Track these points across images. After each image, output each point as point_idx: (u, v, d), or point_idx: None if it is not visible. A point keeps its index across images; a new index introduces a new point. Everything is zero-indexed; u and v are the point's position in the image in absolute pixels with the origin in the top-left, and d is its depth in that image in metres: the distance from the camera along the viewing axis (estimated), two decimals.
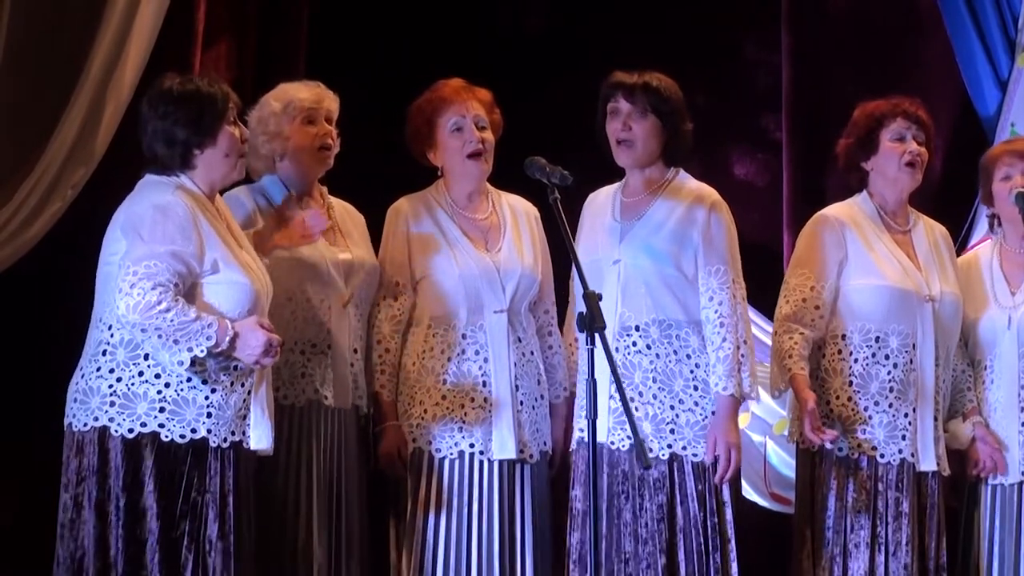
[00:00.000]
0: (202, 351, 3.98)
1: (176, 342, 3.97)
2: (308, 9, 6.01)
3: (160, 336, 3.97)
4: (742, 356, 4.52)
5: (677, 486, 4.51)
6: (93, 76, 4.94)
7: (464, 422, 4.56)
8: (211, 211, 4.13)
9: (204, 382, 4.04)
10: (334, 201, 4.70)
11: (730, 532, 4.51)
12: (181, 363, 4.00)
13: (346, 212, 4.71)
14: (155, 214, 4.02)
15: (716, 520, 4.49)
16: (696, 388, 4.54)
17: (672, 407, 4.53)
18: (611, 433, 4.52)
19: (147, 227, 4.00)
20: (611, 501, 4.53)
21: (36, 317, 5.07)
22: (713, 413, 4.53)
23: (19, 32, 4.80)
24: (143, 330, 3.97)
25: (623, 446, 4.52)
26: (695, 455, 4.52)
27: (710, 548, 4.47)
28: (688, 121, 4.65)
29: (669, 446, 4.52)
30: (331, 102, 4.62)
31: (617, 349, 4.52)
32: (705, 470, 4.51)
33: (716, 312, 4.53)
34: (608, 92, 4.64)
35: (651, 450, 4.50)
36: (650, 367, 4.54)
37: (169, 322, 3.95)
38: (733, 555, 4.51)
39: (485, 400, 4.57)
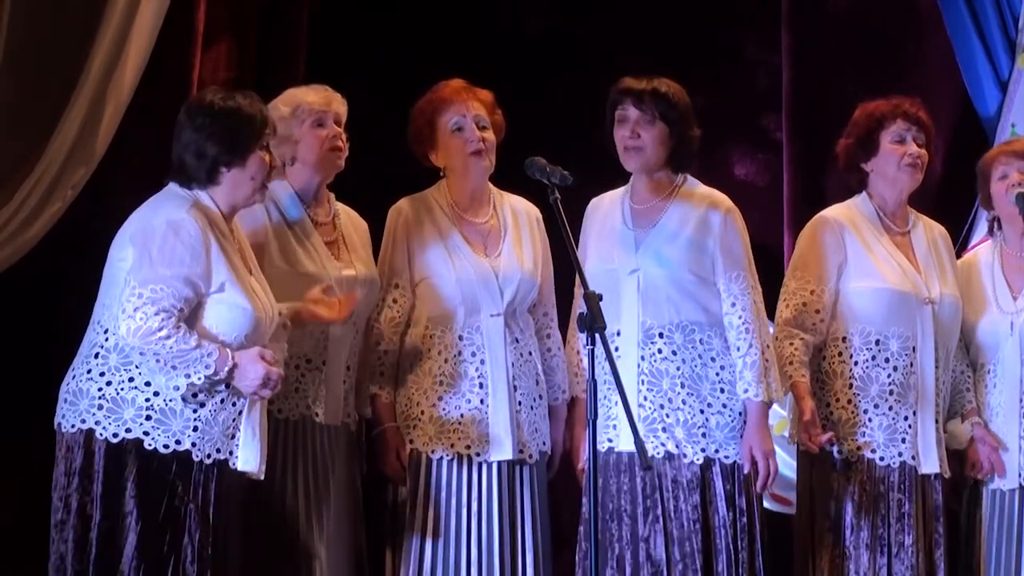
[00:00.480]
0: (200, 379, 4.00)
1: (174, 368, 4.00)
2: (308, 9, 6.00)
3: (158, 361, 4.00)
4: (767, 361, 4.55)
5: (709, 486, 4.53)
6: (93, 76, 4.94)
7: (461, 424, 4.57)
8: (225, 232, 4.12)
9: (195, 395, 4.04)
10: (340, 208, 4.69)
11: (757, 531, 4.53)
12: (176, 388, 4.02)
13: (350, 221, 4.70)
14: (167, 231, 4.01)
15: (745, 520, 4.52)
16: (723, 391, 4.57)
17: (702, 411, 4.55)
18: (644, 440, 4.45)
19: (157, 244, 4.00)
20: (645, 504, 4.54)
21: (36, 317, 5.07)
22: (741, 414, 4.55)
23: (19, 32, 4.80)
24: (141, 353, 3.99)
25: (657, 453, 4.52)
26: (726, 456, 4.54)
27: (739, 547, 4.50)
28: (696, 127, 4.66)
29: (703, 450, 4.54)
30: (339, 105, 4.61)
31: (643, 357, 4.56)
32: (734, 471, 4.54)
33: (740, 318, 4.55)
34: (616, 98, 4.65)
35: (685, 455, 4.52)
36: (677, 373, 4.56)
37: (168, 349, 3.97)
38: (759, 555, 4.53)
39: (482, 401, 4.58)
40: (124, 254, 4.06)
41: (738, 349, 4.54)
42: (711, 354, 4.57)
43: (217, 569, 4.05)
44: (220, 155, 4.08)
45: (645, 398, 4.54)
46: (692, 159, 4.69)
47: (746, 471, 4.53)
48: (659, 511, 4.52)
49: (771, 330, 4.74)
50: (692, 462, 4.52)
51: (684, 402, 4.54)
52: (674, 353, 4.56)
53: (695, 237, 4.58)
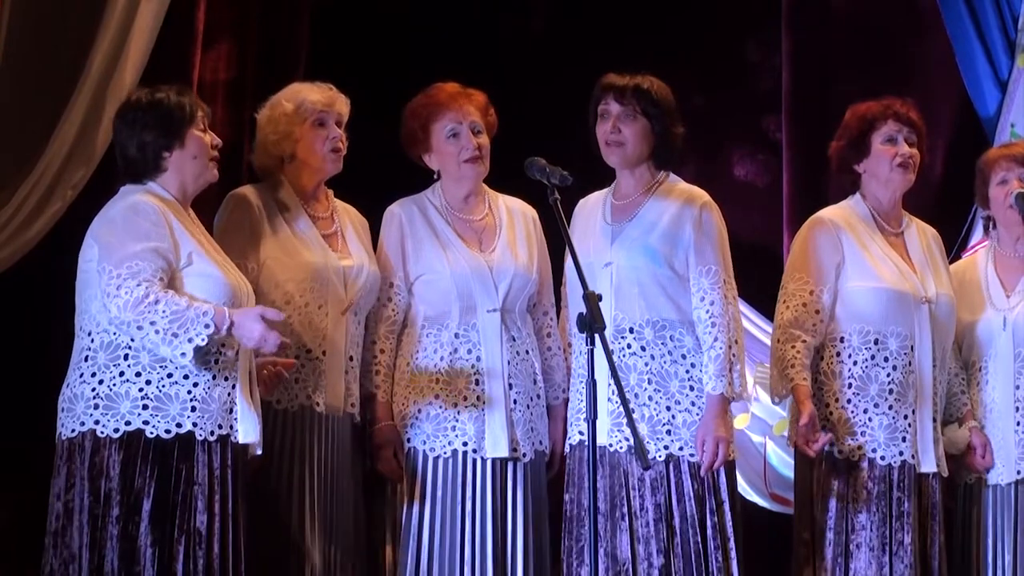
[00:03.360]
0: (203, 340, 4.00)
1: (175, 335, 4.00)
2: (309, 9, 6.03)
3: (157, 331, 4.00)
4: (733, 356, 4.53)
5: (674, 486, 4.51)
6: (93, 76, 4.98)
7: (457, 420, 4.58)
8: (183, 214, 4.21)
9: (206, 360, 4.07)
10: (339, 205, 4.72)
11: (730, 531, 4.51)
12: (184, 355, 4.02)
13: (349, 217, 4.73)
14: (127, 214, 4.11)
15: (716, 519, 4.50)
16: (692, 388, 4.55)
17: (668, 408, 4.54)
18: (609, 435, 4.53)
19: (120, 228, 4.09)
20: (612, 502, 4.54)
21: (36, 317, 5.08)
22: None
23: (19, 32, 4.83)
24: (139, 327, 4.01)
25: (621, 447, 4.53)
26: (692, 455, 4.52)
27: (710, 548, 4.48)
28: (680, 124, 4.65)
29: (666, 447, 4.53)
30: (342, 105, 4.64)
31: (612, 351, 4.50)
32: (701, 469, 4.52)
33: (708, 312, 4.54)
34: (599, 94, 4.66)
35: (648, 451, 4.51)
36: (645, 368, 4.55)
37: (162, 314, 3.99)
38: (734, 554, 4.51)
39: (478, 398, 4.58)
40: (91, 254, 4.14)
41: (704, 343, 4.53)
42: (681, 351, 4.56)
43: (226, 549, 4.10)
44: (158, 140, 4.18)
45: (613, 391, 4.50)
46: (675, 156, 4.69)
47: (695, 458, 4.51)
48: (624, 509, 4.52)
49: (765, 327, 4.75)
50: (654, 459, 4.51)
51: (650, 398, 4.54)
52: (643, 349, 4.55)
53: (670, 231, 4.58)
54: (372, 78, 6.03)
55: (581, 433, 4.57)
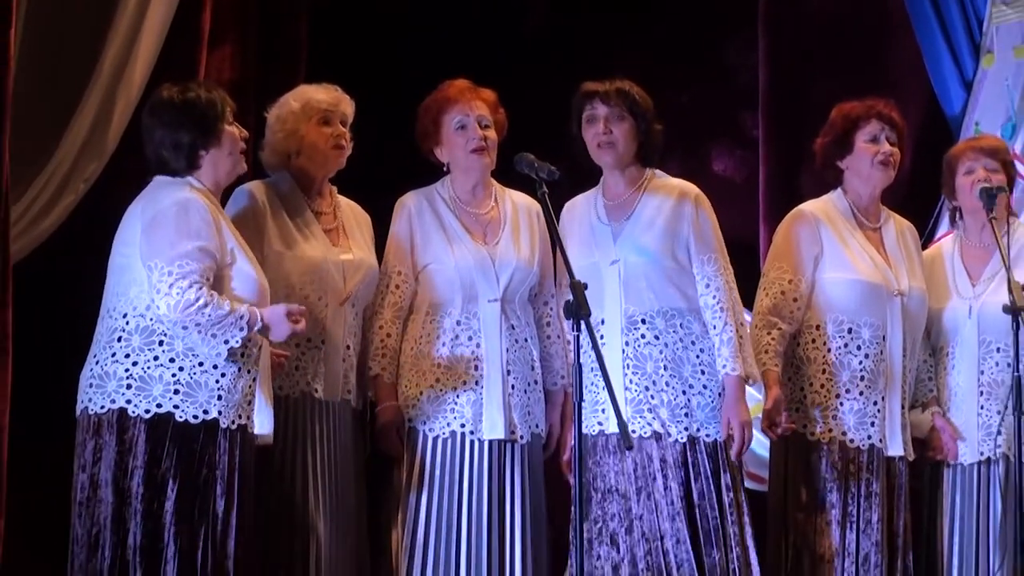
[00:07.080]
0: (237, 342, 4.14)
1: (214, 336, 4.12)
2: (308, 11, 6.06)
3: (200, 332, 4.12)
4: (741, 338, 4.65)
5: (691, 465, 4.62)
6: (104, 74, 5.02)
7: (456, 403, 4.68)
8: (220, 209, 4.31)
9: (233, 361, 4.19)
10: (342, 200, 4.81)
11: (744, 507, 4.62)
12: (220, 355, 4.15)
13: (352, 212, 4.82)
14: (178, 211, 4.16)
15: (732, 495, 4.61)
16: (703, 372, 4.67)
17: (684, 392, 4.65)
18: (632, 421, 4.62)
19: (172, 224, 4.14)
20: (637, 484, 4.63)
21: (49, 308, 5.08)
22: (720, 395, 4.65)
23: (34, 32, 4.87)
24: (184, 327, 4.11)
25: (644, 432, 4.63)
26: (708, 435, 4.63)
27: (728, 522, 4.58)
28: (658, 123, 4.76)
29: (686, 429, 4.64)
30: (347, 105, 4.73)
31: (627, 343, 4.64)
32: (717, 449, 4.63)
33: (715, 298, 4.65)
34: (582, 101, 4.75)
35: (670, 435, 4.62)
36: (660, 356, 4.66)
37: (207, 317, 4.09)
38: (749, 529, 4.62)
39: (477, 383, 4.68)
40: (132, 240, 4.17)
41: (714, 327, 4.63)
42: (691, 338, 4.66)
43: (238, 536, 4.19)
44: (196, 140, 4.23)
45: (631, 381, 4.63)
46: (658, 153, 4.78)
47: (723, 437, 4.61)
48: (650, 489, 4.61)
49: (747, 318, 4.81)
50: (677, 440, 4.61)
51: (668, 384, 4.63)
52: (656, 338, 4.65)
53: (669, 224, 4.68)
54: (371, 78, 5.96)
55: (600, 424, 4.68)
